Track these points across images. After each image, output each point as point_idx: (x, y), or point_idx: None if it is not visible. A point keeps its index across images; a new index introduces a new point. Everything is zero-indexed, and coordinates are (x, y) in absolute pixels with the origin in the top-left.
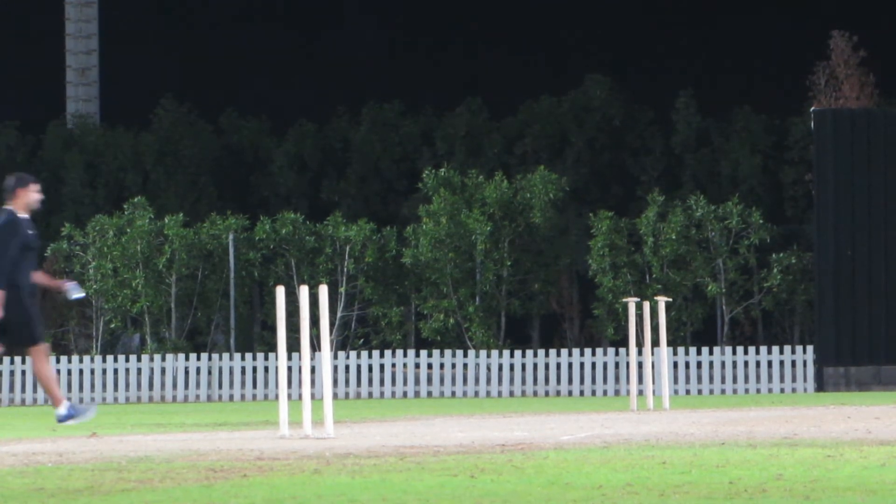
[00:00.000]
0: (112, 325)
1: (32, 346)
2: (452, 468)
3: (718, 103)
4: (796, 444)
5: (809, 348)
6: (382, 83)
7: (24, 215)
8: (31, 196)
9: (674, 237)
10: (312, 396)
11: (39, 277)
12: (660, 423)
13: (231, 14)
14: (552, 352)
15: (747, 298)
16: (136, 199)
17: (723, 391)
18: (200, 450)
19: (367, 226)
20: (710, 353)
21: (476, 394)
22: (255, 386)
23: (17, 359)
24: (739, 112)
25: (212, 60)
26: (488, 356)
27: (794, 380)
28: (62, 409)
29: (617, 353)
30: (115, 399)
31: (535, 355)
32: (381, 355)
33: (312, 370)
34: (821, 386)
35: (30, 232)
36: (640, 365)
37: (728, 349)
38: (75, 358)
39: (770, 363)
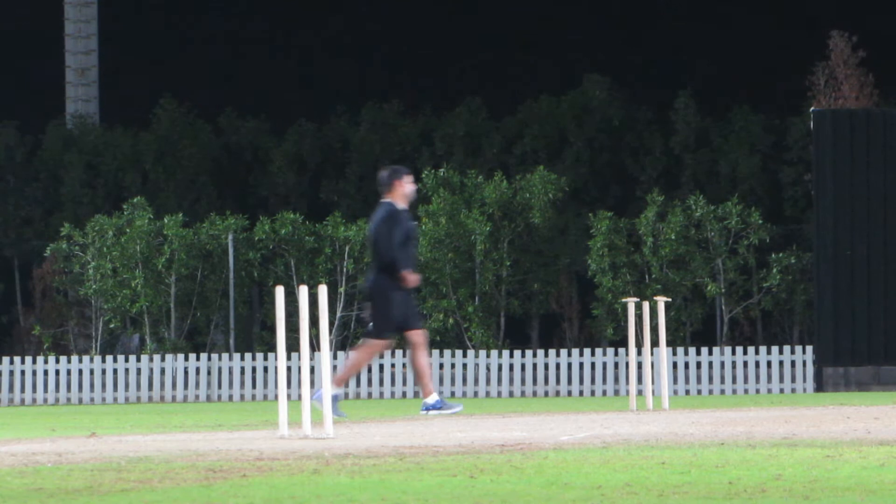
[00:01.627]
0: (111, 326)
1: (409, 332)
2: (451, 468)
3: (718, 103)
4: (795, 444)
5: (809, 348)
6: (382, 83)
7: (402, 206)
8: (407, 187)
9: (673, 237)
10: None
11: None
12: (659, 424)
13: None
14: (552, 352)
15: (747, 298)
16: (135, 199)
17: (722, 391)
18: (200, 450)
19: (367, 226)
20: (710, 353)
21: (476, 394)
22: (254, 386)
23: (17, 358)
24: (738, 112)
25: (212, 60)
26: (488, 356)
27: (793, 380)
28: (430, 399)
29: (616, 353)
30: (115, 399)
31: (535, 355)
32: (381, 355)
33: (312, 370)
34: (820, 386)
35: (410, 223)
36: (639, 365)
37: (727, 349)
38: (75, 358)
39: (769, 363)
